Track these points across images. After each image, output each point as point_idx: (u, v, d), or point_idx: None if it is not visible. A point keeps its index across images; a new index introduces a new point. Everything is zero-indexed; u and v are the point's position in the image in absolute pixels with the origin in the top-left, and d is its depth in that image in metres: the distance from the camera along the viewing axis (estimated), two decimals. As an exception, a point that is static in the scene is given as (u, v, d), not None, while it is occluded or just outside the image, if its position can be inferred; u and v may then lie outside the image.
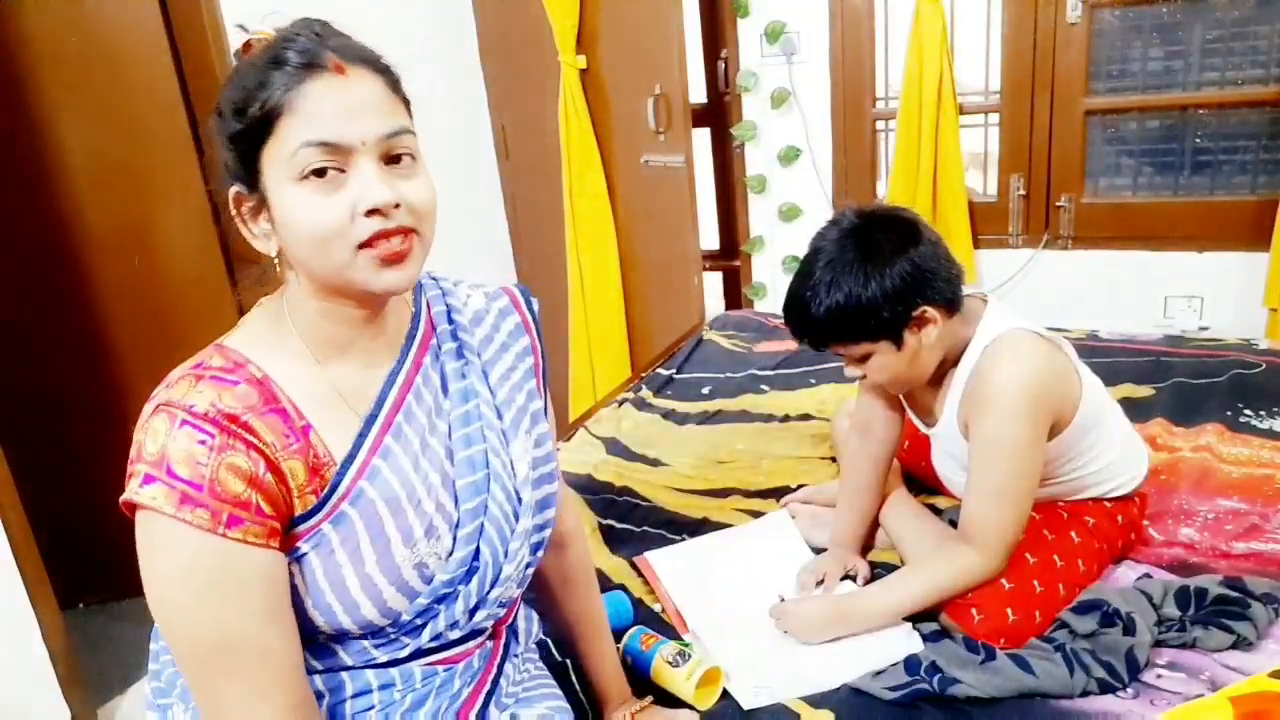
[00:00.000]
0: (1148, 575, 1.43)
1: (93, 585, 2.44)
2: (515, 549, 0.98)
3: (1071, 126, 2.82)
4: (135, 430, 0.81)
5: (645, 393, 2.36)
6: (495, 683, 1.04)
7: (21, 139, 2.16)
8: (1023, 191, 2.91)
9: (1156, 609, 1.30)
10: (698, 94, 3.37)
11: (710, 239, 3.59)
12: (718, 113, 3.46)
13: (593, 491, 1.86)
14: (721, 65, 3.28)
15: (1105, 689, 1.19)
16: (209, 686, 0.81)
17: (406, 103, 0.89)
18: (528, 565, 1.02)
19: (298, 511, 0.85)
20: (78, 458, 2.35)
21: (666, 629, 1.40)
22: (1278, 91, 2.59)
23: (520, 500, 0.99)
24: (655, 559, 1.57)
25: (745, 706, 1.22)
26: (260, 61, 0.82)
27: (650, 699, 1.22)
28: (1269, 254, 2.56)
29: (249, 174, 0.84)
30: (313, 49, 0.82)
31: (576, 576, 1.20)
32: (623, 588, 1.51)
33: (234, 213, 0.87)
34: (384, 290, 0.85)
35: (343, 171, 0.81)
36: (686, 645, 1.30)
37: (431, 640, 0.95)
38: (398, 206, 0.82)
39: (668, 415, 2.24)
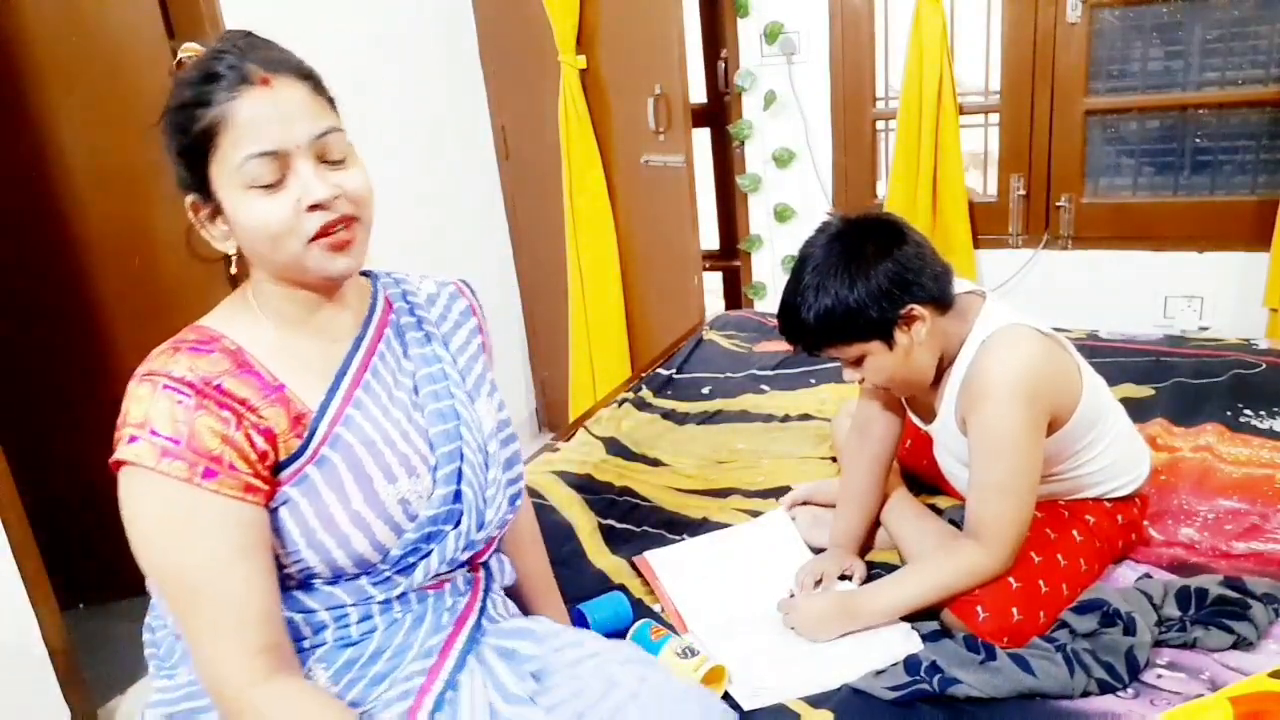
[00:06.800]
0: (1148, 575, 1.43)
1: (93, 585, 2.44)
2: (492, 495, 1.07)
3: (1071, 126, 2.82)
4: (124, 401, 0.90)
5: (645, 393, 2.36)
6: (484, 600, 1.12)
7: (21, 139, 2.16)
8: (1023, 191, 2.91)
9: (1157, 609, 1.30)
10: (698, 94, 3.37)
11: (710, 239, 3.59)
12: (717, 113, 3.46)
13: (593, 491, 1.85)
14: (721, 65, 3.28)
15: (1105, 689, 1.19)
16: (186, 623, 0.90)
17: (331, 101, 0.97)
18: (509, 513, 1.12)
19: (282, 456, 0.94)
20: (78, 457, 2.34)
21: (666, 629, 1.40)
22: (1278, 91, 2.59)
23: (488, 452, 1.08)
24: (655, 559, 1.57)
25: (745, 707, 1.22)
26: (194, 78, 0.91)
27: None
28: (1269, 254, 2.56)
29: (200, 184, 0.93)
30: (239, 65, 0.90)
31: (525, 536, 1.29)
32: (623, 588, 1.51)
33: (192, 218, 0.96)
34: (337, 274, 0.96)
35: (285, 174, 0.90)
36: (693, 644, 1.30)
37: (425, 581, 1.03)
38: (337, 198, 0.92)
39: (668, 415, 2.24)
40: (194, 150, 0.91)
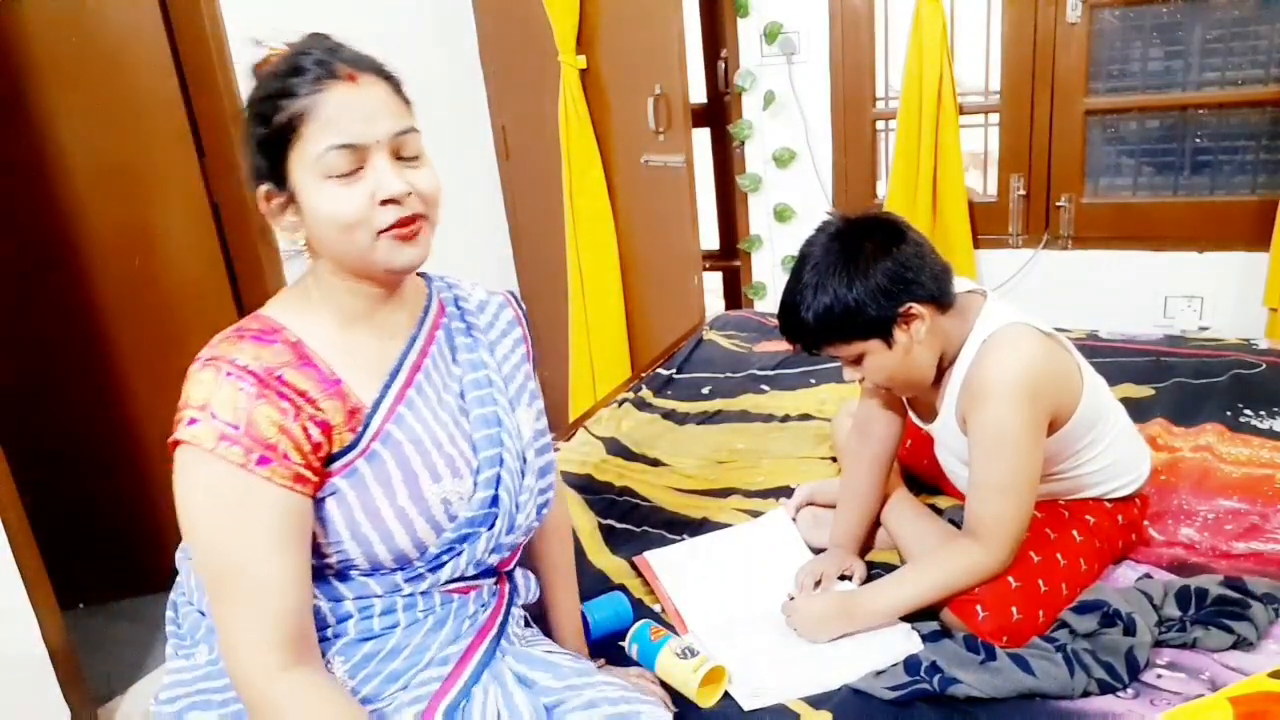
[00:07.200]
0: (1148, 575, 1.43)
1: (93, 585, 2.44)
2: (525, 501, 1.10)
3: (1071, 126, 2.82)
4: (185, 384, 0.93)
5: (645, 393, 2.36)
6: (505, 615, 1.14)
7: (21, 139, 2.16)
8: (1023, 191, 2.91)
9: (1157, 609, 1.30)
10: (698, 94, 3.37)
11: (710, 239, 3.59)
12: (717, 113, 3.46)
13: (593, 491, 1.86)
14: (721, 65, 3.28)
15: (1105, 689, 1.19)
16: (219, 607, 0.93)
17: (408, 103, 1.00)
18: (535, 521, 1.14)
19: (335, 449, 0.96)
20: (78, 457, 2.35)
21: (666, 629, 1.40)
22: (1278, 91, 2.59)
23: (525, 459, 1.11)
24: (654, 559, 1.57)
25: (745, 707, 1.22)
26: (280, 71, 0.94)
27: (604, 660, 1.27)
28: (1269, 254, 2.56)
29: (277, 173, 0.95)
30: (327, 60, 0.93)
31: (553, 526, 1.28)
32: (623, 588, 1.51)
33: (263, 208, 0.98)
34: (402, 267, 0.97)
35: (361, 167, 0.93)
36: (693, 644, 1.30)
37: (451, 579, 1.05)
38: (410, 194, 0.94)
39: (668, 415, 2.24)
40: (275, 140, 0.93)
